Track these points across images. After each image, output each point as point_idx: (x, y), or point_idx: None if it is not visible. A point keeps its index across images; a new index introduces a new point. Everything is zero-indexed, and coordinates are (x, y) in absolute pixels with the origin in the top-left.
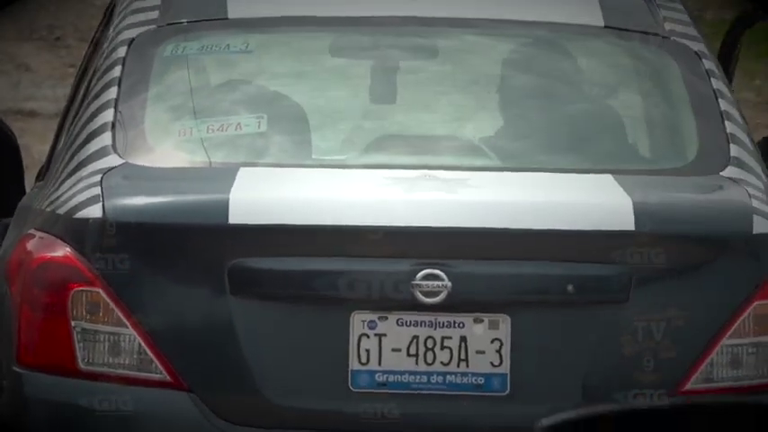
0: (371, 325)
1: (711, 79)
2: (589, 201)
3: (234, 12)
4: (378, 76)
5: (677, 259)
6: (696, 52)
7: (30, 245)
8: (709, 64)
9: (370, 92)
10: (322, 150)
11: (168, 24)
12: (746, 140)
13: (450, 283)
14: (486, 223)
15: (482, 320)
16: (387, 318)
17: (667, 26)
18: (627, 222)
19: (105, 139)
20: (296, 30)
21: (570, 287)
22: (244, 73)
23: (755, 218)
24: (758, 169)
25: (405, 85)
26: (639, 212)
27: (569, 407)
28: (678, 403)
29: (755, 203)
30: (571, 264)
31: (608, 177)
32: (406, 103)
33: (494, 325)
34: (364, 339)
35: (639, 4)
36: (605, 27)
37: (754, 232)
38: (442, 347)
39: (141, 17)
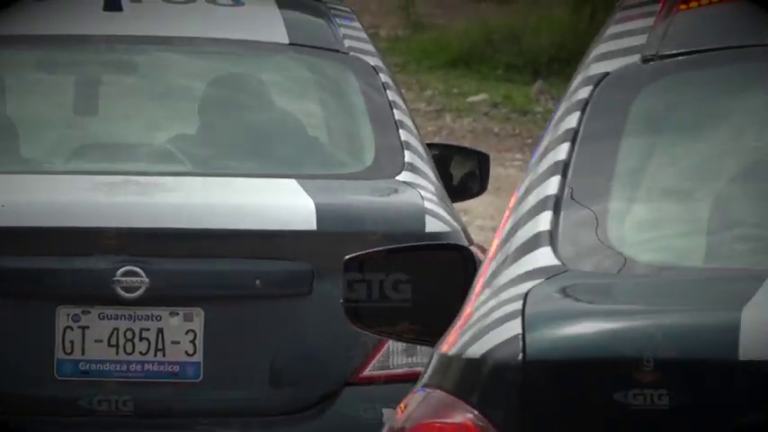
0: (75, 318)
1: (387, 91)
2: (274, 203)
3: None
4: (81, 90)
5: None
6: (373, 67)
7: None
8: (384, 77)
9: (74, 105)
10: (29, 158)
11: None
12: (419, 147)
13: (147, 280)
14: (180, 224)
15: (177, 313)
16: (90, 312)
17: (347, 43)
18: (309, 222)
19: None
20: (4, 47)
21: (258, 282)
22: None
23: (427, 218)
24: (430, 173)
25: (106, 97)
26: (321, 213)
27: (259, 392)
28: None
29: (427, 204)
30: (259, 260)
31: (292, 182)
32: (107, 114)
33: (188, 317)
34: (69, 331)
35: (321, 23)
36: (290, 44)
37: (427, 231)
38: (141, 338)
39: None
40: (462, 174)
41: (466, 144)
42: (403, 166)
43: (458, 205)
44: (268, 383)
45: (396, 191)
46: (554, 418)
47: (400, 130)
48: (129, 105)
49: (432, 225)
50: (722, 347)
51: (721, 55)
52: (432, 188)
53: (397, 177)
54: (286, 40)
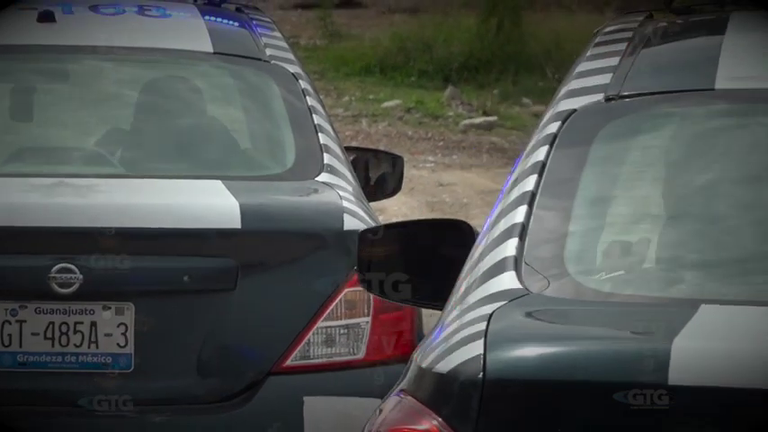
0: (13, 313)
1: (306, 97)
2: (201, 203)
3: None
4: (17, 97)
5: (279, 252)
6: (293, 74)
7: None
8: (304, 84)
9: (10, 111)
10: None
11: None
12: (337, 150)
13: (81, 276)
14: (112, 223)
15: (110, 308)
16: (26, 306)
17: (268, 51)
18: (234, 221)
19: None
20: None
21: (186, 278)
22: None
23: (346, 216)
24: (347, 175)
25: (41, 104)
26: (245, 213)
27: (187, 381)
28: None
29: (345, 204)
30: (186, 258)
31: (218, 183)
32: (42, 120)
33: (120, 311)
34: (7, 325)
35: (244, 33)
36: (214, 53)
37: (345, 228)
38: (75, 331)
39: None
40: (378, 175)
41: (381, 147)
42: (322, 168)
43: (374, 204)
44: (196, 373)
45: (315, 191)
46: (508, 429)
47: (319, 134)
48: (63, 111)
49: (349, 223)
50: (654, 373)
51: (674, 96)
52: (349, 188)
53: (316, 178)
54: (210, 49)
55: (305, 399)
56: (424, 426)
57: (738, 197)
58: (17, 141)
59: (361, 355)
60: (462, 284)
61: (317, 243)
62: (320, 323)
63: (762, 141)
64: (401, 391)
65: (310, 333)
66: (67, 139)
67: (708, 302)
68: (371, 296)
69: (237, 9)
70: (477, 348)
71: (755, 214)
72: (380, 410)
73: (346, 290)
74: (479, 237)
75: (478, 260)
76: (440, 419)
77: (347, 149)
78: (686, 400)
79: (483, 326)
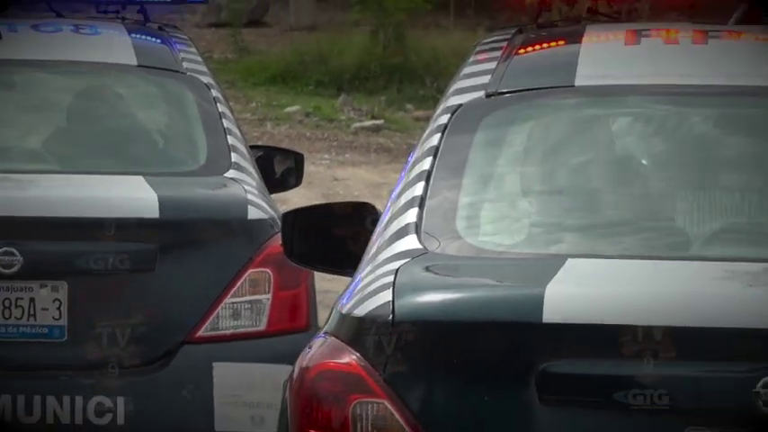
0: None
1: (217, 104)
2: (125, 195)
3: None
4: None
5: (192, 238)
6: (206, 84)
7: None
8: (215, 93)
9: None
10: None
11: None
12: (243, 149)
13: (21, 258)
14: (49, 213)
15: (46, 285)
16: None
17: (185, 64)
18: (153, 211)
19: None
20: None
21: (111, 260)
22: None
23: (250, 207)
24: (252, 171)
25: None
26: (163, 204)
27: (113, 349)
28: None
29: (250, 197)
30: (112, 242)
31: (140, 178)
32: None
33: (55, 289)
34: None
35: (164, 48)
36: (138, 65)
37: (249, 218)
38: (16, 306)
39: None
40: (282, 170)
41: (284, 146)
42: (230, 165)
43: (277, 196)
44: (120, 342)
45: (224, 185)
46: (413, 361)
47: (228, 136)
48: (6, 116)
49: (253, 213)
50: (531, 312)
51: (542, 92)
52: (254, 183)
53: (225, 174)
54: (135, 62)
55: (214, 364)
56: (345, 360)
57: (600, 173)
58: None
59: (262, 326)
60: (373, 247)
61: (225, 230)
62: (227, 299)
63: (616, 127)
64: (325, 333)
65: (219, 308)
66: (9, 140)
67: (573, 257)
68: (272, 276)
69: (159, 28)
70: (386, 296)
71: (616, 187)
72: (309, 348)
73: (250, 270)
74: (385, 208)
75: (385, 227)
76: (358, 354)
77: (256, 148)
78: (555, 333)
79: (391, 278)
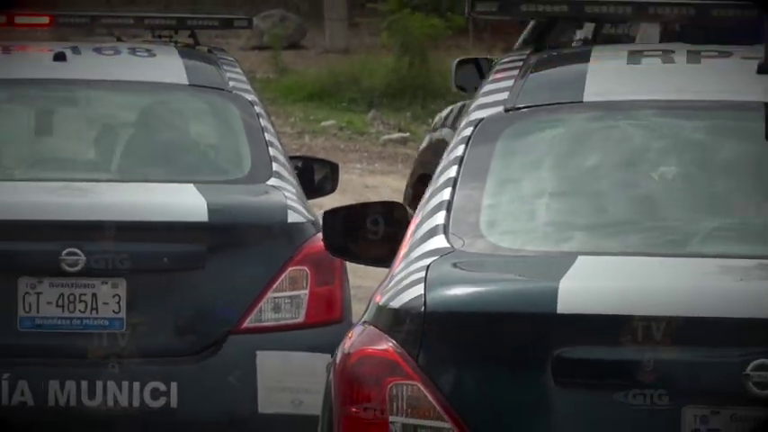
0: (32, 286)
1: (260, 119)
2: (178, 201)
3: None
4: (39, 118)
5: (237, 239)
6: (250, 101)
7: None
8: (258, 109)
9: (33, 129)
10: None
11: None
12: (284, 160)
13: (85, 258)
14: (108, 217)
15: (107, 282)
16: (43, 281)
17: (231, 83)
18: (202, 215)
19: None
20: None
21: (165, 259)
22: None
23: (289, 212)
24: (291, 179)
25: (57, 123)
26: (211, 209)
27: (167, 338)
28: None
29: (289, 202)
30: (166, 243)
31: (190, 186)
32: (56, 135)
33: (115, 285)
34: (27, 296)
35: (212, 68)
36: (189, 84)
37: (288, 221)
38: (80, 301)
39: None
40: (319, 178)
41: (321, 156)
42: (271, 174)
43: (314, 201)
44: (173, 333)
45: (266, 192)
46: (443, 347)
47: (269, 148)
48: (71, 130)
49: (292, 217)
50: (547, 304)
51: (554, 107)
52: (293, 190)
53: (267, 182)
54: (186, 82)
55: (257, 352)
56: (383, 346)
57: (608, 178)
58: (38, 153)
59: (301, 318)
60: (406, 245)
61: (267, 232)
62: (269, 294)
63: (621, 137)
64: (364, 322)
65: (262, 302)
66: (74, 152)
67: (583, 254)
68: (309, 273)
69: (208, 50)
70: (419, 290)
71: (623, 191)
72: (349, 337)
73: (290, 268)
74: (417, 211)
75: (417, 228)
76: (394, 342)
77: (295, 158)
78: (568, 323)
79: (423, 274)
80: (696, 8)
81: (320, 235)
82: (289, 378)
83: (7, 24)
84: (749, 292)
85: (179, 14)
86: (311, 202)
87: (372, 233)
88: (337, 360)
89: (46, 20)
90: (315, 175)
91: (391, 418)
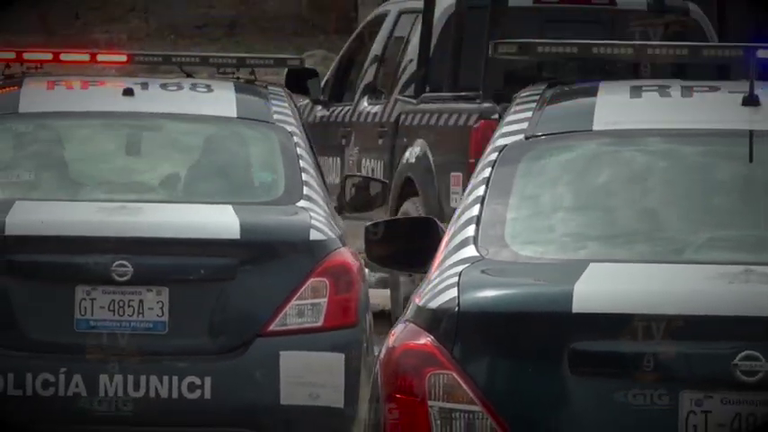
0: (87, 293)
1: (297, 148)
2: (214, 220)
3: (24, 107)
4: (104, 147)
5: (265, 254)
6: (290, 132)
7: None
8: (297, 139)
9: (104, 155)
10: (73, 190)
11: None
12: (315, 185)
13: (132, 269)
14: (154, 234)
15: (151, 290)
16: (96, 289)
17: (275, 116)
18: (235, 233)
19: None
20: (63, 119)
21: (202, 271)
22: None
23: (312, 230)
24: (321, 202)
25: (127, 150)
26: (243, 227)
27: (202, 339)
28: None
29: (313, 221)
30: (203, 257)
31: (228, 207)
32: (122, 160)
33: (159, 293)
34: (83, 302)
35: (260, 102)
36: (237, 117)
37: (311, 239)
38: (128, 306)
39: None
40: (374, 194)
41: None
42: (301, 197)
43: (369, 214)
44: (208, 334)
45: (295, 213)
46: (474, 342)
47: (302, 173)
48: (129, 156)
49: (314, 235)
50: (564, 305)
51: (568, 135)
52: (320, 211)
53: (296, 204)
54: (234, 115)
55: (281, 352)
56: (422, 341)
57: (616, 195)
58: (99, 177)
59: (320, 323)
60: (441, 254)
61: (291, 248)
62: (293, 302)
63: (626, 160)
64: (405, 320)
65: (286, 308)
66: (130, 176)
67: (594, 261)
68: (328, 284)
69: (264, 86)
70: (453, 293)
71: (634, 206)
72: (393, 334)
73: (311, 279)
74: (450, 225)
75: (450, 239)
76: (432, 337)
77: (353, 176)
78: (582, 321)
79: (456, 279)
80: (689, 48)
81: (341, 250)
82: (307, 374)
83: (90, 62)
84: (738, 293)
85: (240, 54)
86: (365, 214)
87: (408, 244)
88: (383, 353)
89: (124, 58)
90: (371, 191)
91: (430, 403)
